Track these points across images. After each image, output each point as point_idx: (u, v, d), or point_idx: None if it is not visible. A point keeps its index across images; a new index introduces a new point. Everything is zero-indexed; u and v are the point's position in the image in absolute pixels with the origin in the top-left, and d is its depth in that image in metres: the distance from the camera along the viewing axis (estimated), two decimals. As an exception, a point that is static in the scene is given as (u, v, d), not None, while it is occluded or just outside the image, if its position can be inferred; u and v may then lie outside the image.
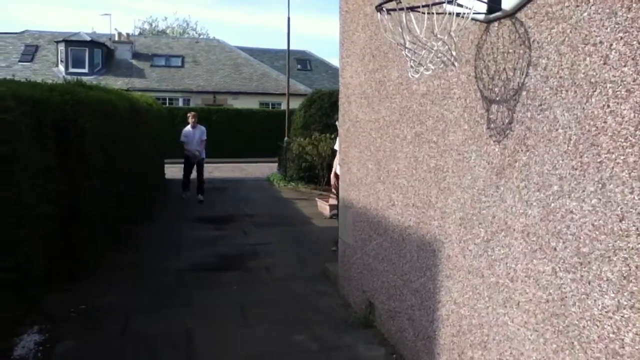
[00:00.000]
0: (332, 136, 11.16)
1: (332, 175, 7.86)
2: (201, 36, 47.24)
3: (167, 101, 27.06)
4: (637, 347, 1.88)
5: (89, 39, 28.95)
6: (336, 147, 7.24)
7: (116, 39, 30.68)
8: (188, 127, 11.36)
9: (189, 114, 11.59)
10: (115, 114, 7.04)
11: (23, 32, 30.39)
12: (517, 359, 2.59)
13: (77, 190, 5.42)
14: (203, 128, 11.52)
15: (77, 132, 5.41)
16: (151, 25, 50.53)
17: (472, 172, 2.96)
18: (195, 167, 11.56)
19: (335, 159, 7.48)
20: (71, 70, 26.62)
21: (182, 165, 11.79)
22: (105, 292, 5.38)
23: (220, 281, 5.90)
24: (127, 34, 31.88)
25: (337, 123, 6.06)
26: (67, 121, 5.27)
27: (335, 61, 38.98)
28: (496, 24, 2.76)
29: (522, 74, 2.54)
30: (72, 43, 28.04)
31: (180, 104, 27.91)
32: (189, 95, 28.66)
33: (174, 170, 15.01)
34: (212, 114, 23.62)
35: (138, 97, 10.52)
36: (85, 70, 27.20)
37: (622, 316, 1.94)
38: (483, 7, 2.75)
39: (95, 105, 6.17)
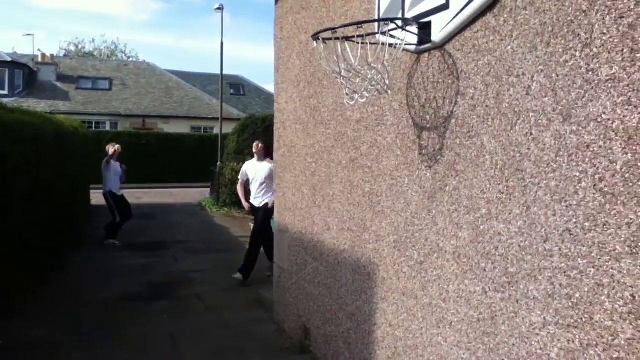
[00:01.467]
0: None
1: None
2: (130, 59, 46.18)
3: (94, 125, 26.13)
4: (562, 362, 1.98)
5: (9, 59, 27.58)
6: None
7: (39, 60, 29.44)
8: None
9: (108, 146, 9.44)
10: (38, 137, 6.72)
11: None
12: (451, 378, 2.65)
13: None
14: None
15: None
16: (77, 47, 48.91)
17: (405, 196, 3.05)
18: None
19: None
20: (-11, 91, 25.26)
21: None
22: (30, 326, 5.05)
23: (151, 311, 5.69)
24: (52, 55, 30.67)
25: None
26: None
27: (268, 86, 39.18)
28: (426, 55, 2.88)
29: (451, 103, 2.66)
30: (-9, 63, 26.66)
31: (108, 127, 27.02)
32: (116, 118, 27.81)
33: (100, 197, 14.43)
34: (142, 138, 23.04)
35: (63, 120, 10.10)
36: (5, 92, 25.88)
37: (548, 332, 2.04)
38: (414, 39, 2.87)
39: (17, 128, 5.86)
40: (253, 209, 7.29)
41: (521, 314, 2.18)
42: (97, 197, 13.77)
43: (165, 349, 4.61)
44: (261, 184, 7.11)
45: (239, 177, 7.60)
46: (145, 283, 6.84)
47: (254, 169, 7.22)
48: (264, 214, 6.97)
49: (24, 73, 27.64)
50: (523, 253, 2.16)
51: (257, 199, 7.14)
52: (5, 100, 9.75)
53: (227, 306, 5.93)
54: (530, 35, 2.16)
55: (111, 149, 9.29)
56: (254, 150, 7.28)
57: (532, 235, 2.12)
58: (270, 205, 6.74)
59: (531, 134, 2.14)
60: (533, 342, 2.11)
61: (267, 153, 6.86)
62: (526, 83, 2.17)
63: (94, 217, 12.42)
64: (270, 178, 6.74)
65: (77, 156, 10.50)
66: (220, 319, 5.47)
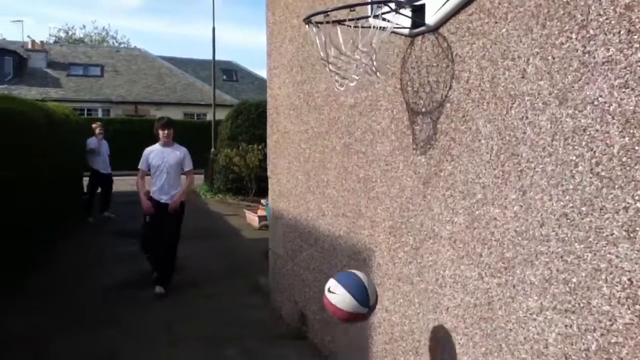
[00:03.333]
0: (260, 147, 11.08)
1: None
2: (122, 45, 45.68)
3: (86, 112, 25.91)
4: (559, 347, 1.97)
5: (-2, 46, 27.29)
6: None
7: (29, 46, 29.09)
8: (94, 139, 10.29)
9: (95, 125, 10.56)
10: (28, 125, 6.64)
11: None
12: (448, 363, 2.65)
13: None
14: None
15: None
16: (67, 33, 48.32)
17: (399, 181, 3.02)
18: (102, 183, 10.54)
19: None
20: (-22, 79, 24.98)
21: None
22: (21, 318, 5.02)
23: (145, 298, 5.66)
24: (42, 42, 30.32)
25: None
26: None
27: (261, 72, 38.90)
28: (420, 38, 2.84)
29: (446, 87, 2.62)
30: (-20, 51, 26.33)
31: (100, 114, 26.80)
32: (108, 105, 27.62)
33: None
34: (134, 125, 22.86)
35: (54, 108, 9.97)
36: (-5, 79, 25.61)
37: (545, 317, 2.03)
38: (408, 22, 2.82)
39: (6, 117, 5.79)
40: (158, 206, 5.83)
41: (518, 299, 2.17)
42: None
43: (161, 336, 4.60)
44: (168, 175, 5.89)
45: (139, 166, 6.01)
46: (139, 271, 6.81)
47: (160, 156, 5.89)
48: (178, 216, 5.98)
49: (13, 60, 27.33)
50: (519, 238, 2.14)
51: (164, 195, 5.85)
52: (-5, 88, 9.66)
53: (223, 293, 5.92)
54: (525, 18, 2.12)
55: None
56: (161, 134, 5.92)
57: (528, 220, 2.10)
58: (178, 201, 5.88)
59: (527, 117, 2.11)
60: (530, 327, 2.10)
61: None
62: (522, 66, 2.14)
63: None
64: (179, 166, 5.95)
65: (69, 143, 10.38)
66: (216, 305, 5.46)
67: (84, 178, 11.61)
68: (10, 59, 27.17)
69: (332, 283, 2.71)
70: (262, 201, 9.90)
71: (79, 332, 4.65)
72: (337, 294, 2.64)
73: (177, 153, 5.99)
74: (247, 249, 8.13)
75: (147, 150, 6.04)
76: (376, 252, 3.30)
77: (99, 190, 10.63)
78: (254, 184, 11.99)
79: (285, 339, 4.52)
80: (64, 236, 8.62)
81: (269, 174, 5.41)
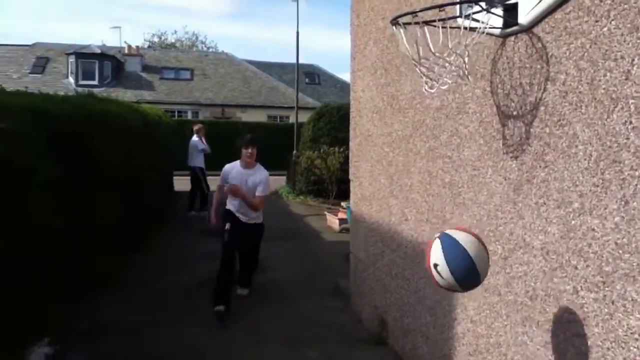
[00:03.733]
0: (341, 149, 11.14)
1: None
2: (210, 49, 47.60)
3: (176, 114, 27.21)
4: (664, 371, 1.83)
5: (99, 51, 29.23)
6: None
7: (126, 51, 30.96)
8: (198, 140, 11.15)
9: (197, 126, 11.45)
10: (126, 126, 7.07)
11: (34, 44, 30.73)
12: (537, 380, 2.53)
13: (87, 203, 5.42)
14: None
15: (89, 144, 5.42)
16: (160, 38, 51.01)
17: (488, 187, 2.93)
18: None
19: None
20: (81, 82, 26.87)
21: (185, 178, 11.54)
22: (115, 307, 5.36)
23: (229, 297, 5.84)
24: (137, 47, 32.18)
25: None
26: (79, 133, 5.29)
27: (343, 75, 39.07)
28: (512, 38, 2.74)
29: (540, 89, 2.51)
30: (83, 55, 28.30)
31: (189, 116, 28.05)
32: (197, 107, 28.83)
33: (183, 183, 15.04)
34: (221, 127, 23.71)
35: (148, 110, 10.57)
36: (95, 82, 27.43)
37: (648, 338, 1.89)
38: (499, 22, 2.73)
39: (107, 118, 6.19)
40: (232, 222, 5.45)
41: (617, 316, 2.03)
42: (180, 183, 14.43)
43: (244, 335, 4.73)
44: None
45: (219, 182, 5.67)
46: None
47: (240, 178, 5.39)
48: (257, 236, 5.74)
49: (112, 64, 29.18)
50: (620, 251, 2.01)
51: (243, 215, 5.50)
52: (95, 90, 10.39)
53: (304, 294, 6.00)
54: (630, 15, 1.98)
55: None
56: (244, 153, 5.40)
57: (630, 232, 1.97)
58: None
59: (630, 122, 1.98)
60: (631, 347, 1.97)
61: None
62: (625, 67, 2.01)
63: (177, 201, 12.97)
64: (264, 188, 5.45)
65: (162, 144, 10.97)
66: (298, 307, 5.54)
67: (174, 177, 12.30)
68: (109, 63, 29.06)
69: (439, 259, 2.31)
70: (343, 204, 9.95)
71: (167, 327, 4.88)
72: (443, 279, 2.30)
73: (258, 178, 5.40)
74: (328, 251, 8.19)
75: (228, 167, 5.53)
76: (461, 259, 3.21)
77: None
78: (334, 187, 12.07)
79: (365, 343, 4.51)
80: (157, 232, 9.08)
81: (350, 177, 5.42)
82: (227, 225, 5.39)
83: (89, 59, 28.40)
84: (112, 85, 28.13)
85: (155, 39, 50.67)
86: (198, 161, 11.12)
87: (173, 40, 51.22)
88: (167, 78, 30.40)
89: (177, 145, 14.34)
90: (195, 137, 11.21)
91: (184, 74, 31.13)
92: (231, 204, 5.54)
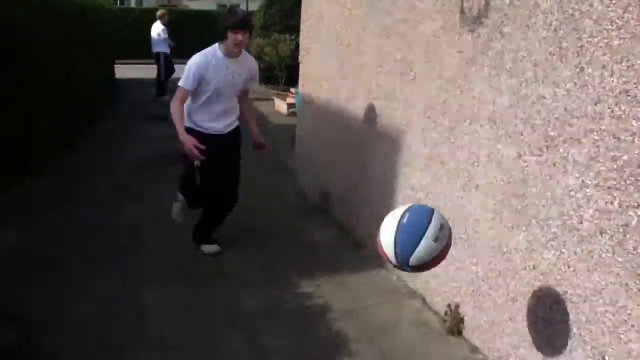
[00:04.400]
0: (293, 37, 10.58)
1: None
2: None
3: (119, 1, 24.92)
4: (595, 222, 1.85)
5: None
6: None
7: None
8: (159, 25, 10.39)
9: (160, 12, 10.67)
10: (64, 12, 6.29)
11: None
12: (472, 237, 2.57)
13: (25, 85, 4.86)
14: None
15: (25, 29, 4.76)
16: None
17: (441, 62, 2.78)
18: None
19: None
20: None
21: (128, 66, 10.94)
22: (56, 182, 5.03)
23: (171, 176, 5.57)
24: None
25: None
26: (8, 19, 4.59)
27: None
28: None
29: (504, -39, 2.31)
30: None
31: (133, 4, 25.79)
32: (141, -5, 26.49)
33: (125, 71, 14.08)
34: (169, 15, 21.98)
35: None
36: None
37: (584, 194, 1.90)
38: None
39: (44, 5, 5.45)
40: (212, 141, 3.31)
41: (557, 177, 2.02)
42: (121, 72, 13.48)
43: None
44: (228, 98, 3.43)
45: (181, 83, 3.31)
46: (167, 151, 6.66)
47: (224, 72, 3.31)
48: (237, 151, 3.61)
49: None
50: (569, 116, 1.96)
51: (221, 122, 3.44)
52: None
53: (251, 171, 5.84)
54: None
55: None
56: (232, 39, 3.20)
57: (581, 97, 1.90)
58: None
59: (596, -11, 1.84)
60: (566, 204, 1.98)
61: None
62: None
63: (118, 88, 12.15)
64: (244, 85, 3.51)
65: (103, 32, 10.00)
66: (243, 182, 5.40)
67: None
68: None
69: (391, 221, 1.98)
70: (292, 89, 9.63)
71: (107, 203, 4.63)
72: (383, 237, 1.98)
73: (247, 70, 3.46)
74: (275, 134, 7.98)
75: (201, 61, 3.29)
76: (408, 133, 3.14)
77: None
78: (284, 73, 11.58)
79: (308, 213, 4.50)
80: (99, 118, 8.47)
81: (300, 59, 5.13)
82: (197, 163, 3.29)
83: None
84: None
85: None
86: (160, 47, 10.46)
87: None
88: (109, -38, 27.39)
89: (118, 34, 13.23)
90: (158, 23, 10.48)
91: (127, -41, 28.18)
92: (204, 114, 3.40)
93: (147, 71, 13.99)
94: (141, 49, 16.78)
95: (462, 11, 2.59)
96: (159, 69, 10.62)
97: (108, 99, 10.04)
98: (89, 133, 7.39)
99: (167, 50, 10.64)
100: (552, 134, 2.04)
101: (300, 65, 5.15)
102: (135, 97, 11.15)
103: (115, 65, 11.94)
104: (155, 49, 10.54)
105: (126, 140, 7.21)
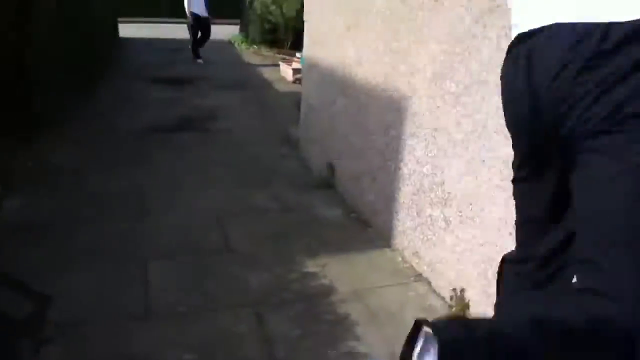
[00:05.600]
0: (298, -5, 10.44)
1: None
2: None
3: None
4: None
5: None
6: None
7: None
8: None
9: None
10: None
11: None
12: (477, 214, 2.55)
13: (21, 38, 4.91)
14: None
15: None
16: None
17: (449, 21, 2.71)
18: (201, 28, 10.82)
19: None
20: None
21: (141, 25, 11.09)
22: (60, 149, 5.13)
23: (179, 143, 5.68)
24: None
25: None
26: None
27: None
28: None
29: None
30: None
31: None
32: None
33: (131, 30, 14.13)
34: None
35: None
36: None
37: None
38: None
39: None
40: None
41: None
42: (128, 31, 13.53)
43: (194, 180, 4.64)
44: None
45: None
46: (173, 116, 6.79)
47: None
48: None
49: None
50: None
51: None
52: None
53: (254, 142, 5.89)
54: None
55: None
56: None
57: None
58: None
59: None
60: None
61: None
62: None
63: (123, 49, 12.21)
64: None
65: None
66: (247, 153, 5.45)
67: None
68: None
69: None
70: (297, 54, 9.56)
71: (113, 170, 4.73)
72: None
73: None
74: (280, 101, 7.99)
75: None
76: (413, 99, 3.09)
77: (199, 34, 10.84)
78: (290, 36, 11.47)
79: (313, 187, 4.51)
80: (100, 77, 8.58)
81: (305, 18, 5.06)
82: None
83: None
84: None
85: None
86: (198, 6, 10.46)
87: None
88: None
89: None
90: None
91: None
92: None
93: (155, 30, 14.02)
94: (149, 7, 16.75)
95: (471, -36, 2.51)
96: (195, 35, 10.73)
97: (110, 60, 10.13)
98: (91, 95, 7.49)
99: (206, 13, 10.55)
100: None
101: (305, 25, 5.08)
102: (145, 58, 11.23)
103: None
104: (195, 8, 10.42)
105: (128, 104, 7.31)
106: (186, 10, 10.49)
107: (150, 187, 4.36)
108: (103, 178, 4.50)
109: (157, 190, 4.32)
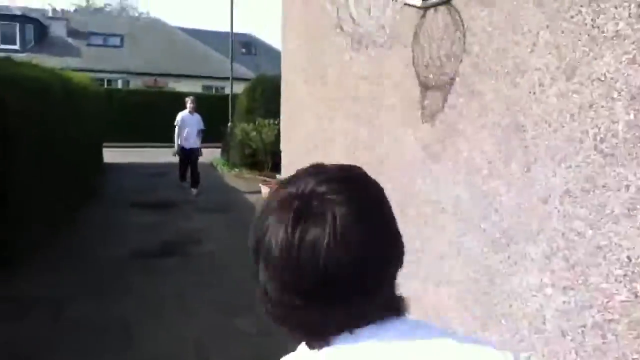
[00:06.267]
0: (275, 122, 11.08)
1: None
2: (142, 15, 45.73)
3: (106, 82, 26.12)
4: (556, 323, 1.99)
5: (19, 13, 27.49)
6: None
7: (50, 14, 29.27)
8: (186, 113, 10.32)
9: (187, 99, 10.61)
10: (47, 93, 6.74)
11: (-54, 4, 28.49)
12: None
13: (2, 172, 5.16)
14: (199, 116, 10.46)
15: (3, 111, 5.14)
16: (87, 1, 48.45)
17: (405, 156, 3.02)
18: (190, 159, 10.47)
19: None
20: (1, 46, 25.22)
21: (124, 150, 11.40)
22: (40, 279, 5.20)
23: (161, 269, 5.79)
24: (62, 10, 30.48)
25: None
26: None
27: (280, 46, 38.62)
28: (432, 10, 2.80)
29: (457, 61, 2.60)
30: (1, 17, 26.53)
31: (119, 85, 27.02)
32: (128, 76, 27.77)
33: (113, 155, 14.60)
34: (154, 97, 23.00)
35: (71, 76, 10.07)
36: (17, 47, 25.87)
37: (544, 294, 2.04)
38: (420, -7, 2.78)
39: (24, 83, 5.87)
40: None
41: (518, 275, 2.18)
42: (110, 155, 13.99)
43: (175, 304, 4.71)
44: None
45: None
46: (157, 241, 6.94)
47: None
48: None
49: (34, 28, 27.54)
50: (522, 214, 2.15)
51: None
52: (17, 55, 9.80)
53: (238, 265, 6.02)
54: (536, -11, 2.08)
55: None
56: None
57: (531, 195, 2.10)
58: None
59: (534, 92, 2.09)
60: (529, 304, 2.12)
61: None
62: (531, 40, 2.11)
63: (107, 173, 12.58)
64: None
65: (88, 113, 10.53)
66: (230, 276, 5.56)
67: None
68: (31, 26, 27.38)
69: None
70: (277, 176, 9.95)
71: (96, 298, 4.79)
72: None
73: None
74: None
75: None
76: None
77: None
78: (269, 159, 12.02)
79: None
80: (83, 204, 8.79)
81: (281, 145, 5.43)
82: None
83: (8, 21, 26.64)
84: (35, 51, 26.53)
85: (83, 3, 48.13)
86: (196, 141, 10.40)
87: (102, 5, 48.81)
88: (95, 44, 29.05)
89: (105, 116, 13.82)
90: (188, 111, 10.32)
91: (114, 41, 29.86)
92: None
93: (136, 155, 14.45)
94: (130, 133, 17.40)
95: (422, 106, 2.87)
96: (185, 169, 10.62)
97: (95, 183, 10.41)
98: (74, 219, 7.64)
99: (198, 144, 10.39)
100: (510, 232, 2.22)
101: (282, 149, 5.44)
102: (129, 183, 11.54)
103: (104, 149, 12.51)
104: (189, 144, 10.28)
105: (113, 230, 7.46)
106: (175, 143, 10.38)
107: (134, 317, 4.41)
108: (86, 308, 4.54)
109: (140, 320, 4.36)
